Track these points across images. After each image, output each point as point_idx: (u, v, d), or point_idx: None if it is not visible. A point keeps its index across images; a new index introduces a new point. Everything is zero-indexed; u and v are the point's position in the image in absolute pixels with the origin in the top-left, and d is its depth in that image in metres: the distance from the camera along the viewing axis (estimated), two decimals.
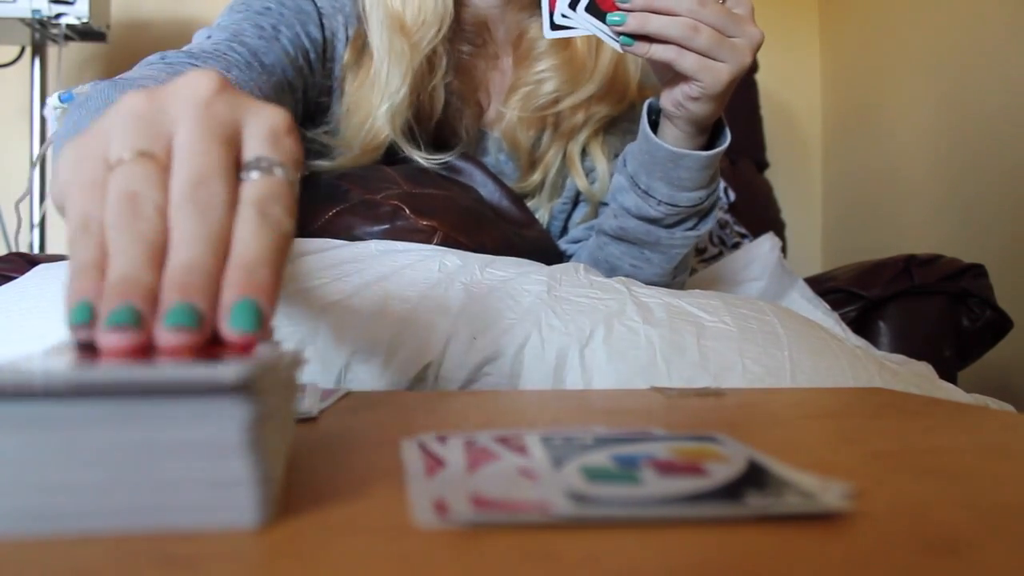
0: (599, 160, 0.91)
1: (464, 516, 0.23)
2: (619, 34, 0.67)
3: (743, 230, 1.24)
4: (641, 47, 0.67)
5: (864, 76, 1.92)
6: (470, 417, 0.44)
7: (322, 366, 0.54)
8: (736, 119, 1.55)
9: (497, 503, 0.24)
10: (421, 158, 0.84)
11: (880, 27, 1.86)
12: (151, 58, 0.71)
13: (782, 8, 2.03)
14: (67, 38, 1.44)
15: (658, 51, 0.66)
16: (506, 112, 0.89)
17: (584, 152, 0.92)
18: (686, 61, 0.66)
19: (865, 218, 1.91)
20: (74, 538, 0.22)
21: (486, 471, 0.28)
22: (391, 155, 0.86)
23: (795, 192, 1.98)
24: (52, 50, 1.49)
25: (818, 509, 0.24)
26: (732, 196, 1.30)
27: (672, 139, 0.74)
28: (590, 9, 0.67)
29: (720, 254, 1.20)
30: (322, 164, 0.86)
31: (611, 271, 0.84)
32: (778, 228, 1.49)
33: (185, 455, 0.22)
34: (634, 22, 0.66)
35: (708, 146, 0.76)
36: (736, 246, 1.21)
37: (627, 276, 0.79)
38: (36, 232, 1.50)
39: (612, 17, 0.66)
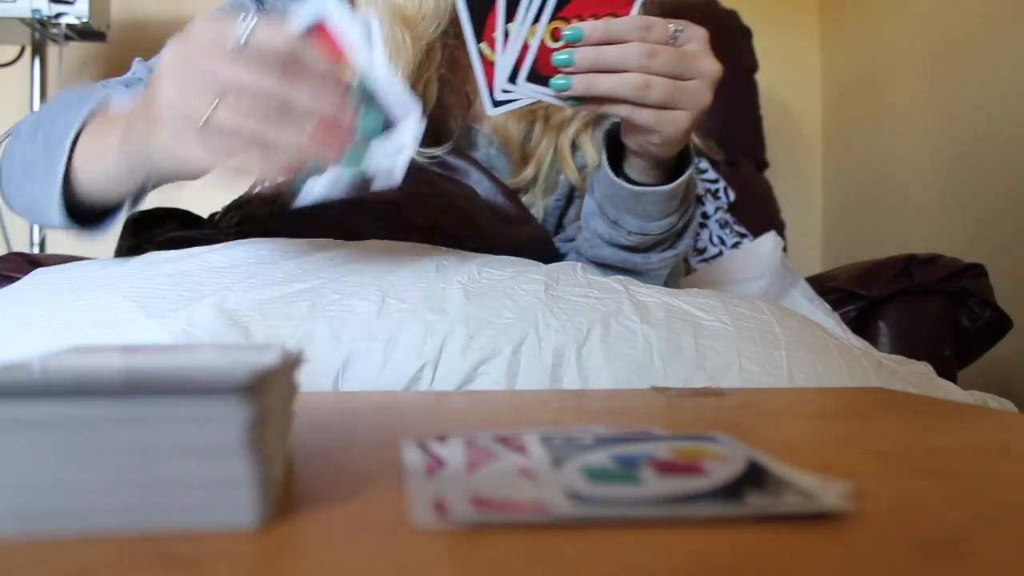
0: (590, 154, 0.90)
1: (464, 516, 0.23)
2: (566, 98, 0.63)
3: (743, 230, 1.24)
4: (592, 107, 0.64)
5: (864, 76, 1.92)
6: (470, 417, 0.44)
7: (319, 366, 0.54)
8: (736, 119, 1.56)
9: (497, 503, 0.24)
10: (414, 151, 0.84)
11: (880, 27, 1.86)
12: (109, 80, 0.74)
13: (782, 8, 2.03)
14: (67, 38, 1.43)
15: (611, 109, 0.63)
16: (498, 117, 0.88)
17: (575, 146, 0.92)
18: (642, 117, 0.62)
19: (865, 218, 1.91)
20: (74, 538, 0.22)
21: (486, 471, 0.28)
22: None
23: (795, 192, 1.97)
24: (52, 50, 1.49)
25: (818, 509, 0.24)
26: (732, 196, 1.29)
27: (638, 168, 0.72)
28: (532, 78, 0.62)
29: (720, 254, 1.20)
30: None
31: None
32: (778, 228, 1.48)
33: (185, 455, 0.22)
34: (580, 86, 0.61)
35: (676, 168, 0.73)
36: (736, 246, 1.21)
37: None
38: (36, 232, 1.50)
39: (556, 82, 0.61)
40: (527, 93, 0.63)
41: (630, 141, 0.69)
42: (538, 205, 0.93)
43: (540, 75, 0.62)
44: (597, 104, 0.63)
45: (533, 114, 0.89)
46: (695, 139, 1.22)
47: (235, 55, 0.46)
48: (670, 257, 0.78)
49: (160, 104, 0.47)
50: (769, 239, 1.04)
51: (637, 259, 0.78)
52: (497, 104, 0.64)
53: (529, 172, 0.91)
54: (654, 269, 0.79)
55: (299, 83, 0.47)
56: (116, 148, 0.56)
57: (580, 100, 0.63)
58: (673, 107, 0.62)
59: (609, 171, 0.73)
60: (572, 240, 0.92)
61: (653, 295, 0.64)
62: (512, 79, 0.63)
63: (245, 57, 0.46)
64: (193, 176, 0.51)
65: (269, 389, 0.25)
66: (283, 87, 0.46)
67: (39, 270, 0.66)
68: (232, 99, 0.45)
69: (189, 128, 0.46)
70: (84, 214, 0.63)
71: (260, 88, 0.46)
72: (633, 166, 0.72)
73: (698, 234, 1.21)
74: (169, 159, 0.49)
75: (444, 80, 0.87)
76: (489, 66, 0.63)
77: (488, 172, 0.87)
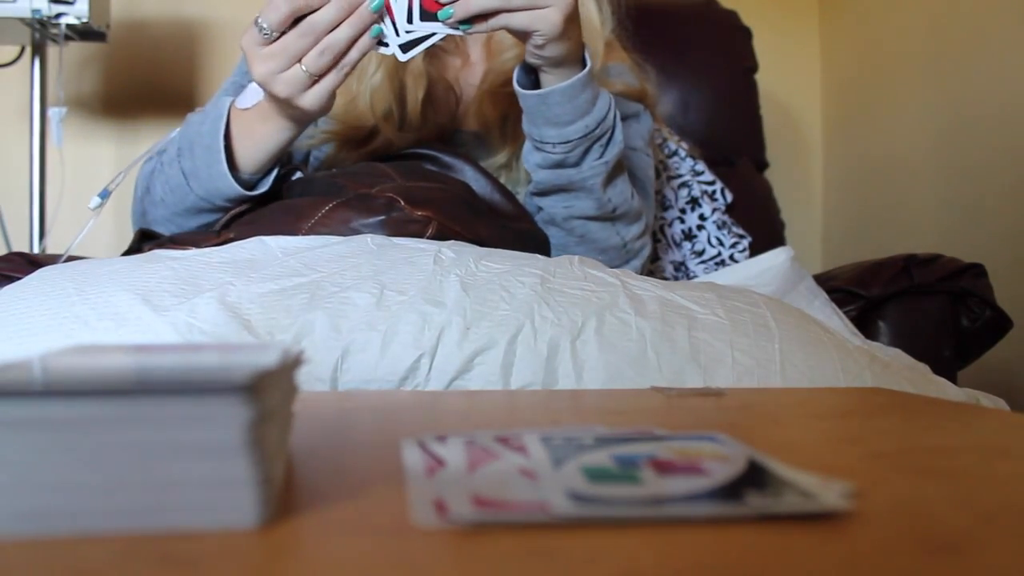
0: None
1: (464, 516, 0.23)
2: (455, 24, 0.72)
3: (742, 231, 1.24)
4: (480, 26, 0.72)
5: (864, 76, 1.92)
6: (470, 417, 0.44)
7: (319, 356, 0.54)
8: (736, 119, 1.55)
9: (497, 503, 0.24)
10: (397, 138, 0.92)
11: (880, 27, 1.86)
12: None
13: (782, 8, 2.03)
14: (67, 38, 1.43)
15: (491, 24, 0.72)
16: (477, 97, 0.96)
17: None
18: (516, 20, 0.72)
19: (865, 218, 1.91)
20: (74, 538, 0.22)
21: (486, 471, 0.28)
22: (382, 147, 0.93)
23: (795, 192, 1.97)
24: (52, 50, 1.49)
25: (818, 509, 0.24)
26: (729, 197, 1.29)
27: (551, 85, 0.79)
28: (423, 17, 0.72)
29: (719, 255, 1.20)
30: (319, 154, 0.95)
31: (551, 221, 0.89)
32: (778, 228, 1.48)
33: (185, 455, 0.22)
34: (459, 10, 0.71)
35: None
36: (735, 246, 1.21)
37: (567, 219, 0.88)
38: (36, 232, 1.50)
39: (443, 12, 0.72)
40: (425, 29, 0.73)
41: (528, 55, 0.78)
42: (521, 189, 0.95)
43: (430, 12, 0.72)
44: (483, 23, 0.72)
45: (509, 99, 0.92)
46: (677, 138, 1.26)
47: (273, 39, 0.71)
48: (600, 165, 0.84)
49: (279, 95, 0.73)
50: (782, 253, 1.05)
51: (571, 172, 0.84)
52: (406, 48, 0.74)
53: (507, 151, 0.97)
54: (589, 177, 0.84)
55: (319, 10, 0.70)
56: (276, 121, 0.79)
57: (469, 24, 0.72)
58: (540, 6, 0.71)
59: (516, 87, 0.81)
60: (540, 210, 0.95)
61: (649, 289, 0.64)
62: (409, 20, 0.73)
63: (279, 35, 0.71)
64: (330, 104, 0.76)
65: (269, 389, 0.25)
66: (309, 23, 0.70)
67: (43, 268, 0.66)
68: (306, 58, 0.71)
69: (306, 84, 0.72)
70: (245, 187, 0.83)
71: (304, 38, 0.70)
72: (547, 84, 0.80)
73: (696, 236, 1.21)
74: (317, 103, 0.74)
75: (432, 78, 0.95)
76: (391, 11, 0.73)
77: (484, 170, 0.89)
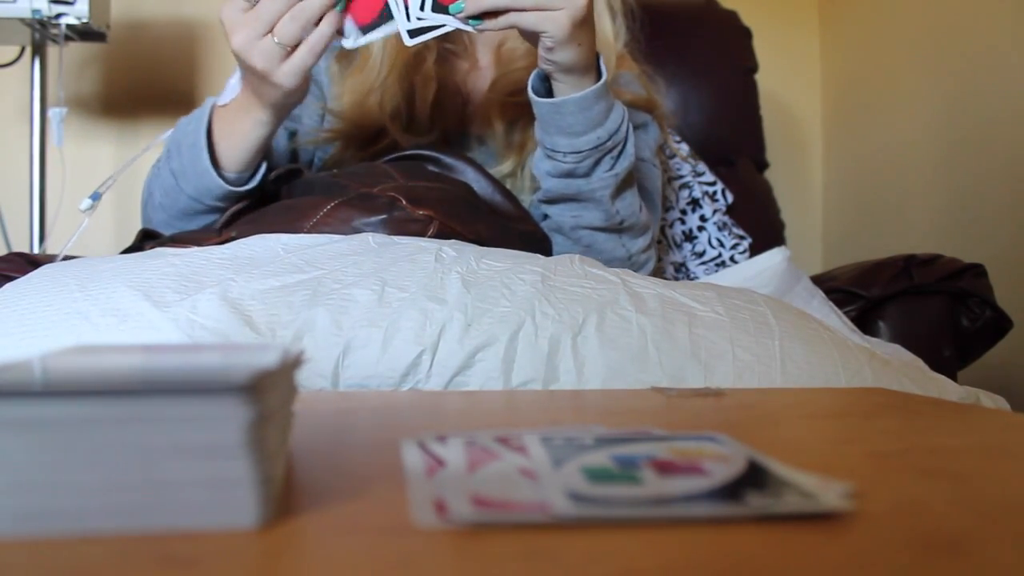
0: None
1: (464, 516, 0.23)
2: (465, 19, 0.72)
3: (742, 232, 1.24)
4: (489, 23, 0.73)
5: (864, 76, 1.92)
6: (470, 417, 0.44)
7: (320, 353, 0.54)
8: (736, 119, 1.55)
9: (497, 503, 0.24)
10: (403, 139, 0.92)
11: (880, 27, 1.86)
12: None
13: (782, 8, 2.03)
14: (67, 38, 1.43)
15: (501, 22, 0.72)
16: (484, 104, 0.96)
17: None
18: (525, 20, 0.72)
19: (865, 218, 1.91)
20: (74, 538, 0.22)
21: (486, 471, 0.28)
22: (387, 148, 0.93)
23: (795, 192, 1.97)
24: (52, 50, 1.49)
25: (818, 509, 0.24)
26: (730, 198, 1.29)
27: (563, 94, 0.79)
28: (435, 8, 0.73)
29: (719, 256, 1.20)
30: (323, 154, 0.95)
31: (558, 229, 0.89)
32: (778, 228, 1.48)
33: (185, 455, 0.22)
34: (471, 5, 0.71)
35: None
36: (735, 247, 1.21)
37: (574, 228, 0.88)
38: (36, 232, 1.50)
39: (455, 6, 0.72)
40: (436, 20, 0.74)
41: (540, 60, 0.77)
42: (526, 196, 0.95)
43: (442, 5, 0.73)
44: (492, 20, 0.72)
45: (516, 109, 0.91)
46: (680, 146, 1.26)
47: (250, 6, 0.72)
48: (610, 177, 0.84)
49: (255, 66, 0.73)
50: (778, 253, 1.05)
51: (580, 182, 0.84)
52: (413, 34, 0.74)
53: (512, 159, 0.97)
54: (598, 188, 0.85)
55: None
56: (254, 112, 0.80)
57: (479, 19, 0.73)
58: (552, 8, 0.71)
59: (530, 93, 0.81)
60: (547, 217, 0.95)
61: (649, 287, 0.64)
62: (422, 8, 0.73)
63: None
64: (305, 86, 0.77)
65: (269, 389, 0.25)
66: None
67: (46, 265, 0.66)
68: (276, 26, 0.71)
69: (280, 56, 0.73)
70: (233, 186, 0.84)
71: (275, 2, 0.71)
72: (560, 92, 0.80)
73: (696, 238, 1.21)
74: (290, 79, 0.74)
75: (440, 80, 0.94)
76: None
77: (485, 172, 0.89)
